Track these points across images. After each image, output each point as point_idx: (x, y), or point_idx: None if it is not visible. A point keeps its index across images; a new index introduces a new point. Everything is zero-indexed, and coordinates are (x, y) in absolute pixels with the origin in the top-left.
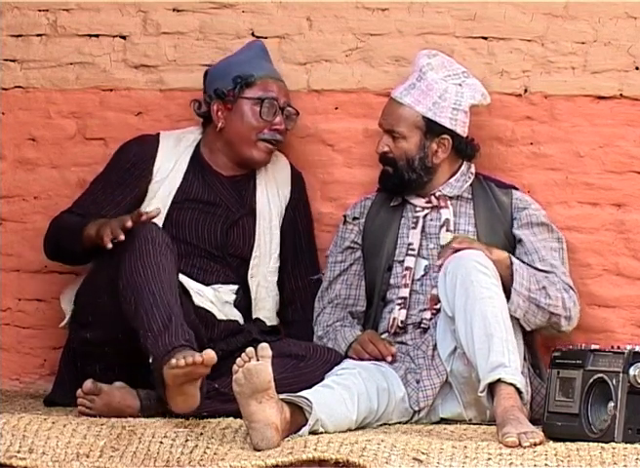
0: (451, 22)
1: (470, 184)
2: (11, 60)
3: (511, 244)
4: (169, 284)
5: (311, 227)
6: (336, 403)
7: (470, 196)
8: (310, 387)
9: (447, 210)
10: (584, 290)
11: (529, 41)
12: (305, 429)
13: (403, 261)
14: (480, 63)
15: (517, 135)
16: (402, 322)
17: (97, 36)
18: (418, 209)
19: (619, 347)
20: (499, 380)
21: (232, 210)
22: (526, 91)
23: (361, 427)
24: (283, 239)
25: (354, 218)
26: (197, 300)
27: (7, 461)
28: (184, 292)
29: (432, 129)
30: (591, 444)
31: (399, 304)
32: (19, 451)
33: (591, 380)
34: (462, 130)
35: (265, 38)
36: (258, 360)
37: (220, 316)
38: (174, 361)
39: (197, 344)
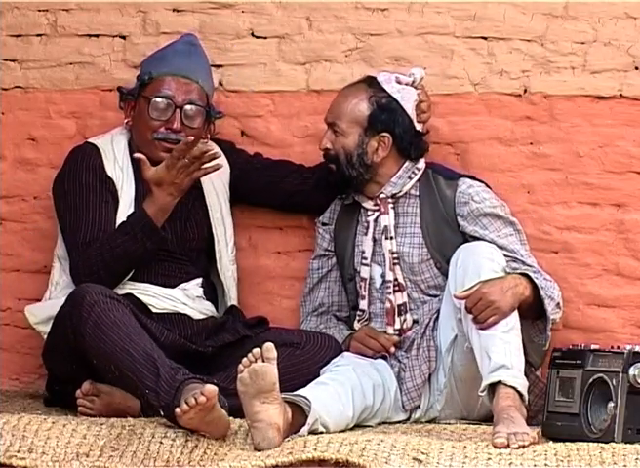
0: (451, 22)
1: (418, 179)
2: (11, 60)
3: (458, 241)
4: (134, 331)
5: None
6: (331, 400)
7: (417, 193)
8: (309, 375)
9: (386, 216)
10: (584, 290)
11: (529, 41)
12: (305, 429)
13: (360, 271)
14: (480, 63)
15: (517, 134)
16: None
17: (96, 36)
18: (369, 212)
19: (618, 347)
20: (500, 382)
21: (184, 203)
22: (526, 91)
23: (359, 425)
24: (250, 178)
25: (323, 224)
26: (168, 306)
27: (7, 461)
28: (145, 312)
29: (373, 126)
30: (591, 444)
31: (358, 317)
32: (18, 451)
33: (591, 380)
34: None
35: (265, 38)
36: (263, 361)
37: (196, 316)
38: (178, 410)
39: (182, 351)
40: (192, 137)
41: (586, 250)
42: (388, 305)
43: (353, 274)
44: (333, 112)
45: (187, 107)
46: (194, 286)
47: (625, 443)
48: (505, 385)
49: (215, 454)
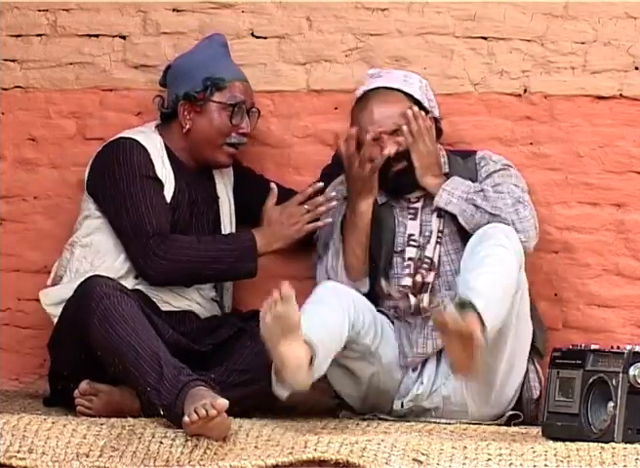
0: (451, 22)
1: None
2: (11, 60)
3: None
4: (141, 327)
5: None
6: (331, 337)
7: (447, 169)
8: None
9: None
10: (584, 290)
11: (529, 41)
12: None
13: (403, 251)
14: (480, 63)
15: (517, 134)
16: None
17: (96, 36)
18: (413, 199)
19: (618, 347)
20: (470, 304)
21: (211, 207)
22: (526, 91)
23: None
24: (251, 193)
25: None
26: (183, 304)
27: (7, 461)
28: (153, 308)
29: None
30: (591, 444)
31: (399, 292)
32: (18, 451)
33: (591, 380)
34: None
35: (265, 38)
36: (283, 301)
37: (203, 315)
38: (186, 419)
39: (183, 350)
40: (322, 184)
41: (586, 250)
42: (405, 282)
43: (392, 256)
44: (389, 119)
45: (253, 110)
46: (209, 287)
47: (625, 443)
48: (474, 310)
49: (215, 454)
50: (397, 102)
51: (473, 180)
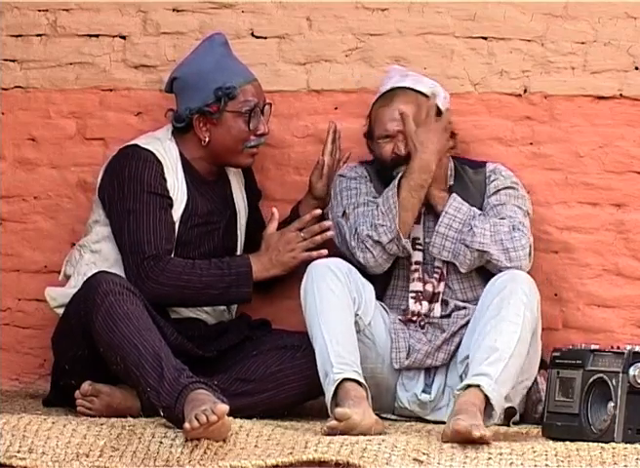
0: (451, 22)
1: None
2: (11, 60)
3: None
4: (144, 326)
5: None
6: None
7: (452, 182)
8: (309, 377)
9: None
10: (584, 290)
11: (529, 41)
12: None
13: (410, 255)
14: (480, 63)
15: (517, 134)
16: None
17: (96, 36)
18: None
19: (618, 347)
20: (478, 387)
21: (224, 214)
22: (525, 91)
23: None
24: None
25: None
26: (191, 314)
27: (7, 461)
28: (162, 313)
29: None
30: (591, 444)
31: (413, 298)
32: (18, 451)
33: (591, 380)
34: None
35: (265, 38)
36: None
37: (210, 321)
38: (187, 426)
39: (187, 354)
40: (319, 211)
41: (586, 250)
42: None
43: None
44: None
45: (266, 107)
46: None
47: (625, 443)
48: (481, 391)
49: (215, 454)
50: (421, 106)
51: (482, 194)
